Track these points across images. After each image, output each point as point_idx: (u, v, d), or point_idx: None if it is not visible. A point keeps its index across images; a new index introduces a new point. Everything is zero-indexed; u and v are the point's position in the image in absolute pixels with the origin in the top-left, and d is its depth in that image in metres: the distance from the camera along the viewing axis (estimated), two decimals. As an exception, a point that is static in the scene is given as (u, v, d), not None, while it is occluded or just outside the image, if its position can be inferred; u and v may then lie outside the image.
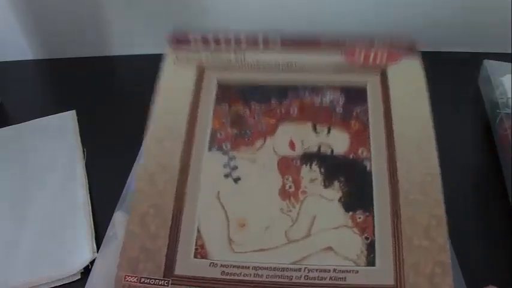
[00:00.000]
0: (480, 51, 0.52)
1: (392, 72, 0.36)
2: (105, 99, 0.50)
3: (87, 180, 0.41)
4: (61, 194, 0.40)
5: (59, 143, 0.45)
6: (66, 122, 0.47)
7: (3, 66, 0.55)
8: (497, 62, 0.47)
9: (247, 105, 0.35)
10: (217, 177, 0.32)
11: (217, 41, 0.38)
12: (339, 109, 0.34)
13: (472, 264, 0.32)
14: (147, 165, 0.32)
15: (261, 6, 0.50)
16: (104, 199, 0.39)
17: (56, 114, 0.47)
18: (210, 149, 0.33)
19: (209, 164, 0.32)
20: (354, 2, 0.50)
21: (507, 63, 0.47)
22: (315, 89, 0.35)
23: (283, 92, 0.35)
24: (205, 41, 0.38)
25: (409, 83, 0.35)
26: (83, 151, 0.44)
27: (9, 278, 0.34)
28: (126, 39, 0.55)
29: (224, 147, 0.33)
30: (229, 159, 0.33)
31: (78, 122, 0.47)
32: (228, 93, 0.35)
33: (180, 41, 0.38)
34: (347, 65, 0.36)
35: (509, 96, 0.43)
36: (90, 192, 0.40)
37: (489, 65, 0.47)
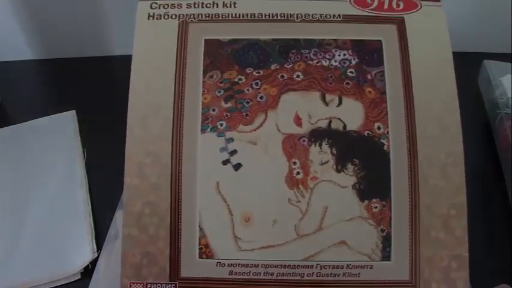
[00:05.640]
0: (480, 51, 0.52)
1: (411, 23, 0.30)
2: (105, 99, 0.50)
3: (87, 180, 0.41)
4: (61, 194, 0.40)
5: (59, 143, 0.44)
6: (66, 122, 0.46)
7: (3, 66, 0.55)
8: (497, 62, 0.47)
9: (242, 72, 0.29)
10: (214, 164, 0.28)
11: None
12: (351, 72, 0.29)
13: (471, 265, 0.32)
14: (133, 155, 0.29)
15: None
16: (104, 199, 0.39)
17: (56, 114, 0.47)
18: (203, 130, 0.29)
19: (204, 150, 0.28)
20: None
21: (507, 63, 0.47)
22: (322, 47, 0.30)
23: (284, 51, 0.30)
24: None
25: (430, 38, 0.30)
26: (83, 151, 0.44)
27: (9, 277, 0.34)
28: (126, 39, 0.55)
29: (219, 126, 0.29)
30: (226, 141, 0.29)
31: (78, 122, 0.46)
32: (219, 56, 0.30)
33: None
34: (357, 14, 0.31)
35: (509, 96, 0.43)
36: (90, 192, 0.40)
37: (489, 65, 0.47)
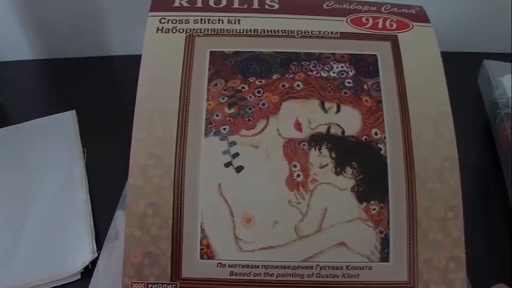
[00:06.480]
0: (480, 51, 0.52)
1: (404, 40, 0.32)
2: (105, 99, 0.50)
3: (87, 180, 0.41)
4: (61, 193, 0.40)
5: (59, 143, 0.44)
6: (66, 122, 0.47)
7: (3, 66, 0.55)
8: (497, 62, 0.47)
9: (245, 81, 0.31)
10: (217, 166, 0.29)
11: (206, 4, 0.33)
12: (349, 82, 0.31)
13: (471, 265, 0.32)
14: (137, 156, 0.29)
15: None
16: (104, 199, 0.39)
17: (56, 114, 0.47)
18: (206, 134, 0.30)
19: (207, 152, 0.29)
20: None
21: (507, 63, 0.47)
22: (321, 60, 0.32)
23: (285, 63, 0.31)
24: (193, 4, 0.33)
25: (422, 52, 0.32)
26: (83, 151, 0.44)
27: (9, 278, 0.34)
28: (126, 39, 0.55)
29: (222, 130, 0.30)
30: (229, 145, 0.29)
31: (78, 122, 0.47)
32: (223, 66, 0.31)
33: (164, 5, 0.33)
34: (354, 32, 0.33)
35: (509, 96, 0.43)
36: (90, 192, 0.40)
37: (489, 65, 0.47)
